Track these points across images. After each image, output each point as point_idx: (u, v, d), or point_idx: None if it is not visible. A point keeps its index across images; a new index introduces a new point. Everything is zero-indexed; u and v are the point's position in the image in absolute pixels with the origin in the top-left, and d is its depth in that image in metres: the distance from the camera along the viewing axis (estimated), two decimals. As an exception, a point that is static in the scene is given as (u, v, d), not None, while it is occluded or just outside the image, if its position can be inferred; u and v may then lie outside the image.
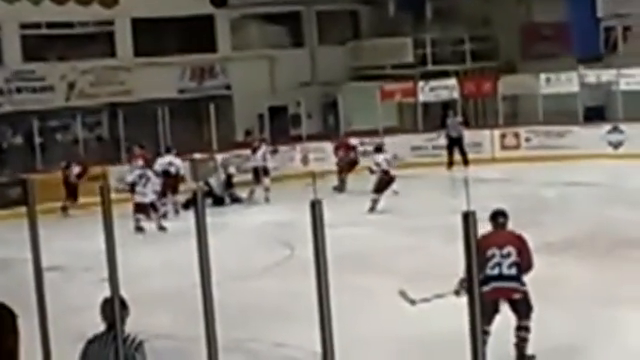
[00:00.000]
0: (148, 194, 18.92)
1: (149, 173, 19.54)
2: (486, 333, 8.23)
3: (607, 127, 27.17)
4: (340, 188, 22.66)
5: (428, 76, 29.69)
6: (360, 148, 24.26)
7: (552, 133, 27.64)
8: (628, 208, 16.75)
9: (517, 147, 27.74)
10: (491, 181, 22.12)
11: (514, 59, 31.87)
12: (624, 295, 10.71)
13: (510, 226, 14.29)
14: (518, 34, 32.05)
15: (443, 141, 27.07)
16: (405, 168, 25.98)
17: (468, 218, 4.20)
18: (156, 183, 19.26)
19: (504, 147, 27.86)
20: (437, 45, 31.70)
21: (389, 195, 20.69)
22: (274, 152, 23.02)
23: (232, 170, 22.75)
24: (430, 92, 28.74)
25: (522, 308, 9.00)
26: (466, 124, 27.82)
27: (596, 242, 14.72)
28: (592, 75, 27.99)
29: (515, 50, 31.98)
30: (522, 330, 9.03)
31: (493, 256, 8.90)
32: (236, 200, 22.01)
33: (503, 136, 28.05)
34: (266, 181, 21.90)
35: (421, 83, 28.85)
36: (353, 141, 24.24)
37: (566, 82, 27.88)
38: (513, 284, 9.00)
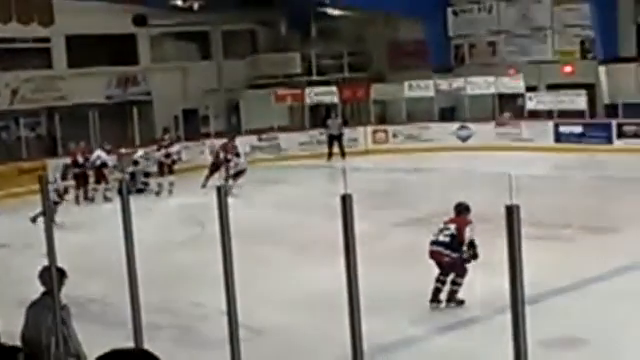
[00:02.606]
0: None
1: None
2: (441, 282, 9.32)
3: (457, 124, 27.78)
4: (204, 184, 20.88)
5: (313, 84, 29.92)
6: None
7: (414, 130, 28.12)
8: (475, 189, 17.09)
9: (386, 141, 28.09)
10: (365, 170, 22.37)
11: (383, 70, 32.33)
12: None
13: (382, 206, 14.49)
14: (386, 49, 32.47)
15: (325, 137, 27.31)
16: (294, 159, 26.18)
17: (345, 200, 4.26)
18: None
19: (375, 142, 28.18)
20: (320, 58, 32.05)
21: (279, 181, 20.85)
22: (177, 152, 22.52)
23: (147, 163, 22.27)
24: (315, 97, 28.92)
25: (451, 269, 9.38)
26: (345, 123, 28.07)
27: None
28: (445, 83, 28.64)
29: (384, 62, 32.42)
30: (453, 284, 9.39)
31: (439, 229, 9.63)
32: (140, 191, 21.27)
33: (374, 132, 28.37)
34: (171, 177, 21.51)
35: (307, 89, 28.99)
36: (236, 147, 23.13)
37: (424, 88, 28.44)
38: (443, 249, 9.46)
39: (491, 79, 27.52)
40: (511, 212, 4.10)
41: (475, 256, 9.15)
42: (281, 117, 29.72)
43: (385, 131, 28.31)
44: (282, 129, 28.49)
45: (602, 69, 27.57)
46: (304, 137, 28.09)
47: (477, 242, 9.15)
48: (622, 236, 12.44)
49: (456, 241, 9.24)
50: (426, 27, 31.23)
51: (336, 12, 32.16)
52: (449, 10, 31.23)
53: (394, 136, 28.15)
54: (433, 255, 9.48)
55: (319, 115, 29.53)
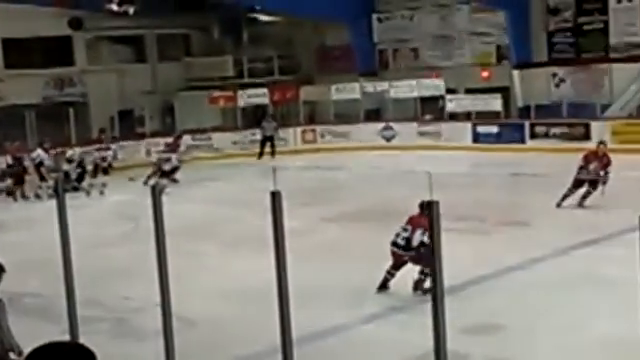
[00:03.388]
0: None
1: None
2: (391, 274, 9.26)
3: (382, 125, 27.97)
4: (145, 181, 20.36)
5: (245, 86, 29.82)
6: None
7: (340, 130, 28.24)
8: (398, 186, 17.23)
9: (314, 141, 28.13)
10: (294, 168, 22.35)
11: (312, 73, 32.41)
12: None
13: (310, 202, 14.50)
14: (314, 54, 32.59)
15: (258, 137, 27.25)
16: (226, 158, 26.03)
17: (275, 197, 4.24)
18: None
19: (305, 141, 28.20)
20: (252, 62, 31.99)
21: (212, 178, 20.75)
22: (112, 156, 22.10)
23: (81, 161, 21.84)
24: (247, 99, 28.82)
25: (417, 263, 9.25)
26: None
27: (376, 212, 15.08)
28: (370, 86, 28.86)
29: (312, 66, 32.52)
30: (419, 273, 9.26)
31: (401, 227, 9.51)
32: (76, 189, 20.75)
33: (303, 132, 28.39)
34: (104, 178, 21.11)
35: (240, 92, 28.87)
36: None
37: (351, 91, 28.57)
38: (400, 251, 9.42)
39: (413, 82, 27.81)
40: (431, 207, 4.17)
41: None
42: (214, 118, 29.60)
43: (314, 131, 28.36)
44: (215, 129, 28.37)
45: (516, 73, 28.15)
46: (237, 137, 28.00)
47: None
48: (534, 229, 12.69)
49: (408, 241, 9.27)
50: (352, 33, 31.47)
51: (266, 18, 32.20)
52: (374, 17, 31.51)
53: (322, 136, 28.23)
54: (393, 254, 9.49)
55: (251, 116, 29.44)
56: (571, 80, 27.11)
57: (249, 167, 23.50)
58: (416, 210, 9.24)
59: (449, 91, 27.45)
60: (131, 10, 28.07)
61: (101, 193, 20.39)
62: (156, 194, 4.09)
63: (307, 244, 11.89)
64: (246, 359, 7.52)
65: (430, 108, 28.10)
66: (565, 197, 14.38)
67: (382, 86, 28.53)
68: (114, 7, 27.69)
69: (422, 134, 27.08)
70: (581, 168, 14.42)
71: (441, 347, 4.19)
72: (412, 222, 9.28)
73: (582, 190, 14.37)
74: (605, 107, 25.12)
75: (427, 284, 8.65)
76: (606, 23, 26.74)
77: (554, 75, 27.45)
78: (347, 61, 31.12)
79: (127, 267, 11.22)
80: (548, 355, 6.76)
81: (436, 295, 4.25)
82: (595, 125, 24.01)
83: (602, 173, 14.26)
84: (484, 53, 29.38)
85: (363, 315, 8.15)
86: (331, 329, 7.78)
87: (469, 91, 27.95)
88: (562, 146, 23.74)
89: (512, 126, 25.84)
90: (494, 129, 25.91)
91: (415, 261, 9.20)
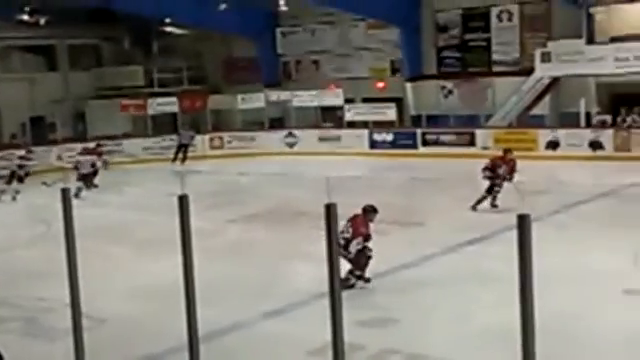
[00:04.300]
0: None
1: None
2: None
3: (285, 132, 28.00)
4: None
5: (155, 95, 29.40)
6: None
7: (246, 137, 28.15)
8: (299, 189, 17.29)
9: (221, 147, 27.91)
10: (203, 172, 22.16)
11: (219, 83, 32.34)
12: (299, 251, 10.98)
13: (216, 205, 14.38)
14: (222, 65, 32.53)
15: (171, 143, 26.87)
16: (137, 163, 25.56)
17: (182, 200, 4.17)
18: None
19: (212, 147, 27.93)
20: (162, 72, 31.63)
21: (123, 183, 20.36)
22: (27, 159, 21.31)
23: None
24: (157, 107, 28.39)
25: (350, 263, 9.04)
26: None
27: (279, 214, 15.08)
28: (274, 95, 28.91)
29: (220, 76, 32.45)
30: (349, 272, 9.01)
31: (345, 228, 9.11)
32: None
33: (211, 139, 28.12)
34: (18, 186, 20.32)
35: (150, 100, 28.41)
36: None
37: (256, 100, 28.55)
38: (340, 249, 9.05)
39: (314, 93, 27.99)
40: (329, 210, 4.18)
41: (368, 256, 8.99)
42: (125, 125, 29.09)
43: (221, 138, 28.15)
44: (126, 136, 27.86)
45: (409, 85, 28.68)
46: (147, 143, 27.54)
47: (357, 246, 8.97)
48: (427, 228, 12.92)
49: (347, 242, 9.03)
50: (258, 46, 31.58)
51: (176, 30, 31.88)
52: (278, 31, 31.68)
53: (229, 142, 28.05)
54: None
55: (161, 123, 29.03)
56: (458, 92, 27.77)
57: (158, 172, 23.14)
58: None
59: (347, 101, 27.75)
60: (42, 20, 27.33)
61: (13, 199, 19.68)
62: (66, 196, 3.96)
63: (213, 244, 11.80)
64: (154, 356, 7.38)
65: (330, 116, 28.37)
66: (480, 201, 14.51)
67: (285, 96, 28.63)
68: (25, 17, 26.90)
69: (322, 140, 27.23)
70: (488, 171, 14.59)
71: (338, 340, 4.21)
72: (354, 227, 9.07)
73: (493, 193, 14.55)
74: (488, 117, 25.84)
75: (352, 281, 8.66)
76: (489, 40, 27.51)
77: (443, 87, 28.07)
78: (253, 72, 31.28)
79: (39, 269, 10.85)
80: (438, 345, 6.88)
81: (334, 290, 4.27)
82: (480, 133, 24.67)
83: (508, 177, 14.52)
84: (379, 66, 29.86)
85: (264, 311, 8.11)
86: (234, 326, 7.72)
87: (366, 101, 28.38)
88: (451, 152, 24.31)
89: (405, 134, 26.26)
90: (389, 136, 26.28)
91: (349, 261, 9.13)
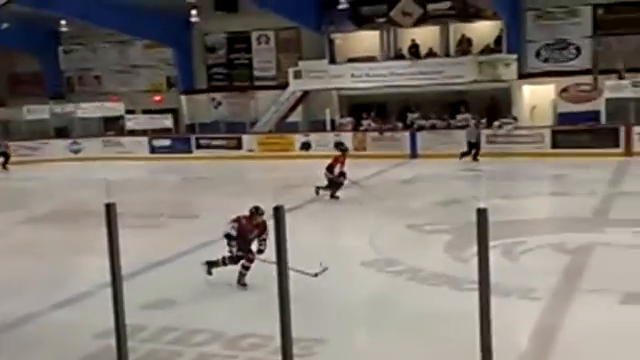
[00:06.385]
0: None
1: None
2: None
3: (70, 141, 26.60)
4: None
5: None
6: None
7: (34, 145, 26.36)
8: (84, 191, 16.41)
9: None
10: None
11: (4, 97, 30.13)
12: (85, 245, 10.37)
13: (4, 209, 13.28)
14: (6, 79, 30.34)
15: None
16: None
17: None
18: None
19: (-1, 156, 25.80)
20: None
21: None
22: None
23: None
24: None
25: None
26: None
27: (66, 214, 14.24)
28: (58, 107, 27.50)
29: (5, 91, 30.23)
30: (242, 267, 7.95)
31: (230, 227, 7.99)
32: None
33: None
34: None
35: None
36: None
37: (41, 111, 27.07)
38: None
39: (97, 104, 27.02)
40: (109, 209, 4.08)
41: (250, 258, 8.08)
42: None
43: (8, 147, 26.06)
44: None
45: (183, 98, 28.43)
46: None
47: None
48: (201, 220, 12.81)
49: (237, 238, 7.95)
50: (41, 62, 29.83)
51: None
52: (60, 48, 30.17)
53: (15, 151, 26.05)
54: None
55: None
56: (226, 103, 27.98)
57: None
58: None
59: (128, 112, 27.00)
60: None
61: None
62: None
63: (3, 244, 10.92)
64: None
65: (112, 126, 27.36)
66: (322, 192, 14.31)
67: (69, 107, 27.28)
68: None
69: (106, 147, 26.21)
70: (332, 170, 14.39)
71: (120, 323, 4.10)
72: (239, 228, 8.08)
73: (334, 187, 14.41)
74: (253, 124, 26.24)
75: (244, 280, 7.99)
76: (251, 59, 27.94)
77: (213, 99, 28.12)
78: (37, 85, 29.68)
79: None
80: (212, 319, 6.84)
81: (115, 279, 4.12)
82: (245, 138, 24.96)
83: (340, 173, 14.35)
84: (157, 81, 29.36)
85: (56, 302, 7.61)
86: (28, 316, 7.17)
87: (145, 112, 27.72)
88: (221, 154, 24.39)
89: (181, 139, 25.94)
90: (167, 142, 25.85)
91: (236, 260, 8.34)
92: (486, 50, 23.97)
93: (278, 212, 3.78)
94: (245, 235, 7.94)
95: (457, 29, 24.82)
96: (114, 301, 4.16)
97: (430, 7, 24.59)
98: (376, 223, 11.71)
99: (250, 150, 24.41)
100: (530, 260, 8.80)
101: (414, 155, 21.84)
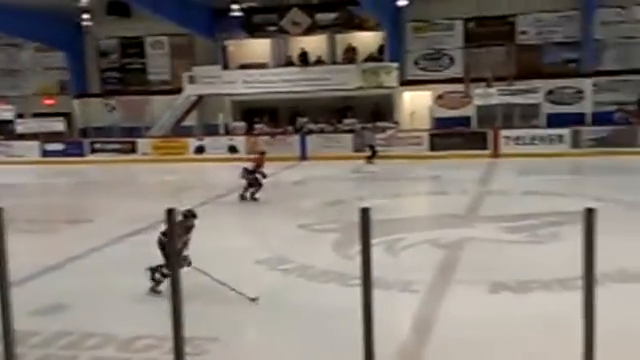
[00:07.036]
0: None
1: None
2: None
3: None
4: None
5: None
6: None
7: None
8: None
9: None
10: None
11: None
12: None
13: None
14: None
15: None
16: None
17: None
18: None
19: None
20: None
21: None
22: None
23: None
24: None
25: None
26: None
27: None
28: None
29: None
30: (161, 275, 7.52)
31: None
32: None
33: None
34: None
35: None
36: None
37: None
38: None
39: (-15, 108, 25.42)
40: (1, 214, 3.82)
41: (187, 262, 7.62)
42: None
43: None
44: None
45: (76, 102, 27.33)
46: None
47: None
48: (95, 224, 12.35)
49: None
50: None
51: None
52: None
53: None
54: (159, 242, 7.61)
55: None
56: (120, 107, 27.13)
57: None
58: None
59: (19, 116, 25.63)
60: None
61: None
62: None
63: None
64: None
65: (2, 130, 25.88)
66: (248, 194, 13.93)
67: None
68: None
69: (-4, 152, 24.76)
70: (252, 172, 14.00)
71: (8, 329, 3.87)
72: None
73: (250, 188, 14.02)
74: (147, 128, 25.59)
75: (160, 287, 7.55)
76: (145, 64, 27.25)
77: (107, 104, 27.19)
78: None
79: None
80: (104, 322, 6.62)
81: (2, 284, 3.89)
82: (141, 142, 24.31)
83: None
84: (48, 85, 28.04)
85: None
86: None
87: (36, 115, 26.39)
88: (116, 158, 23.62)
89: (74, 143, 24.93)
90: (60, 146, 24.73)
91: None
92: (370, 59, 24.55)
93: (169, 215, 3.70)
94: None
95: (343, 39, 25.28)
96: (2, 307, 3.92)
97: (318, 17, 24.93)
98: (269, 223, 11.72)
99: (145, 154, 23.80)
100: (409, 255, 9.09)
101: (304, 157, 22.03)
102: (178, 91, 25.52)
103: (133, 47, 27.31)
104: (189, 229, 7.51)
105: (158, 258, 7.36)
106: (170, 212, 3.75)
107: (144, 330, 6.19)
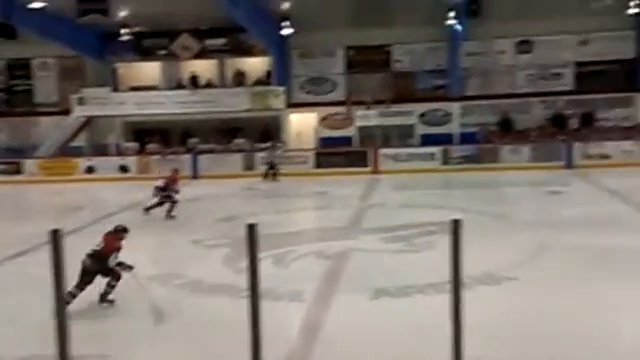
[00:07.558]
0: None
1: None
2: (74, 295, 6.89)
3: None
4: None
5: None
6: None
7: None
8: None
9: None
10: None
11: None
12: None
13: None
14: None
15: None
16: None
17: None
18: None
19: None
20: None
21: None
22: None
23: None
24: None
25: (107, 276, 7.29)
26: None
27: None
28: None
29: None
30: (107, 286, 7.28)
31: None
32: None
33: None
34: None
35: None
36: None
37: None
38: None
39: None
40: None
41: (128, 267, 7.18)
42: None
43: None
44: None
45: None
46: None
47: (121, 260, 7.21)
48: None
49: (100, 255, 7.21)
50: None
51: None
52: None
53: None
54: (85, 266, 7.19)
55: None
56: (6, 129, 25.63)
57: None
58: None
59: None
60: None
61: None
62: None
63: None
64: None
65: None
66: (165, 213, 13.32)
67: None
68: None
69: None
70: (164, 189, 13.31)
71: None
72: (106, 243, 7.23)
73: (166, 205, 13.34)
74: (35, 148, 24.29)
75: (111, 296, 7.06)
76: (31, 86, 25.95)
77: (-10, 125, 25.58)
78: None
79: None
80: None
81: None
82: (28, 162, 23.02)
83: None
84: None
85: None
86: None
87: None
88: (0, 179, 22.21)
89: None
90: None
91: (105, 274, 7.29)
92: (258, 82, 24.64)
93: (54, 236, 3.52)
94: (114, 252, 7.36)
95: (232, 63, 25.22)
96: None
97: (208, 42, 24.75)
98: (162, 239, 11.41)
99: (32, 174, 22.52)
100: (298, 266, 9.13)
101: (195, 176, 21.68)
102: (67, 112, 24.42)
103: (19, 69, 25.93)
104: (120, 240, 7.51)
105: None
106: (55, 233, 3.56)
107: (32, 349, 5.83)
